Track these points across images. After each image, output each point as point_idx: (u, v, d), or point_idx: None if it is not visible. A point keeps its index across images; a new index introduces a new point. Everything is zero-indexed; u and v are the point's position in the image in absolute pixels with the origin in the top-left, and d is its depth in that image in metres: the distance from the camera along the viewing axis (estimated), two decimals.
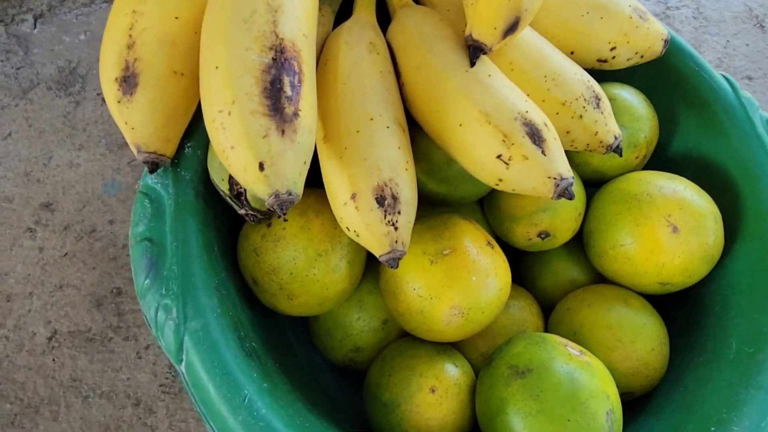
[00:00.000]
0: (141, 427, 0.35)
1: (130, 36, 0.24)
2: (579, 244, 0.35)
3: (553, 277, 0.35)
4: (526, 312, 0.33)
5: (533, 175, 0.24)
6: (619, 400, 0.26)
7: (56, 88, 0.45)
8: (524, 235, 0.33)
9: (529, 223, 0.32)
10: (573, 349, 0.27)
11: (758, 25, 1.07)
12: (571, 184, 0.24)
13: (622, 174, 0.33)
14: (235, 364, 0.23)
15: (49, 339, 0.37)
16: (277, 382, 0.25)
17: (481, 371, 0.28)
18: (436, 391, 0.28)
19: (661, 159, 0.36)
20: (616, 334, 0.30)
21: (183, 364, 0.23)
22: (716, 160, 0.33)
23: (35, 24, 0.46)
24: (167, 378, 0.36)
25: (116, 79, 0.24)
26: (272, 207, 0.20)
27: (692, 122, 0.34)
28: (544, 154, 0.24)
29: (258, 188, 0.20)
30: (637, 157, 0.34)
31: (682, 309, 0.33)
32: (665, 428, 0.27)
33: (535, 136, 0.24)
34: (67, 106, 0.44)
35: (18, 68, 0.45)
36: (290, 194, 0.20)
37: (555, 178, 0.24)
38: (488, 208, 0.34)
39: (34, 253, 0.39)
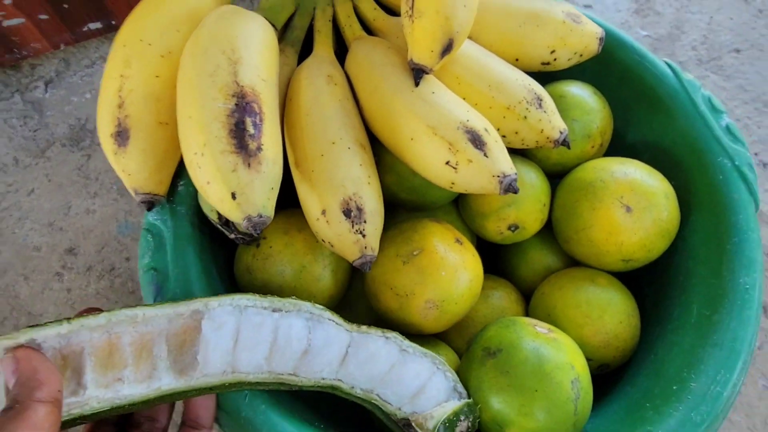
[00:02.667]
0: None
1: (120, 96, 0.27)
2: (551, 232, 0.37)
3: (530, 266, 0.38)
4: (506, 300, 0.36)
5: (479, 176, 0.27)
6: (587, 370, 0.28)
7: (69, 144, 0.50)
8: (496, 229, 0.35)
9: (497, 218, 0.35)
10: (541, 328, 0.29)
11: None
12: (515, 180, 0.27)
13: (580, 163, 0.36)
14: None
15: None
16: None
17: (462, 357, 0.31)
18: None
19: (620, 146, 0.39)
20: (584, 312, 0.32)
21: None
22: (666, 141, 0.35)
23: (46, 89, 0.52)
24: None
25: (111, 134, 0.27)
26: (248, 229, 0.24)
27: (642, 109, 0.37)
28: (487, 156, 0.27)
29: (233, 215, 0.23)
30: (593, 147, 0.36)
31: (652, 284, 0.35)
32: (637, 393, 0.29)
33: (477, 141, 0.27)
34: (80, 160, 0.49)
35: (35, 130, 0.50)
36: (261, 216, 0.23)
37: (499, 176, 0.27)
38: (462, 208, 0.37)
39: (63, 294, 0.44)
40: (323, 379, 0.26)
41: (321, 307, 0.27)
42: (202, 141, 0.23)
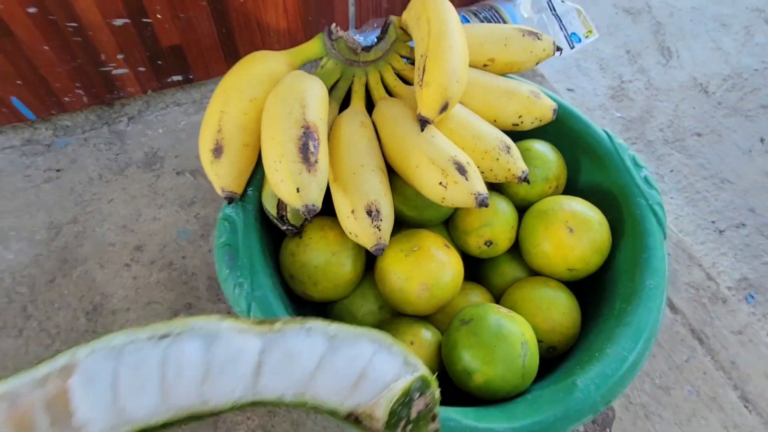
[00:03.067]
0: None
1: (219, 125, 0.40)
2: (518, 251, 0.49)
3: (501, 277, 0.49)
4: (481, 299, 0.47)
5: (462, 193, 0.39)
6: (534, 340, 0.39)
7: (143, 166, 0.62)
8: (475, 244, 0.47)
9: (477, 235, 0.46)
10: (503, 309, 0.40)
11: (703, 91, 1.25)
12: (486, 197, 0.39)
13: (540, 199, 0.48)
14: (281, 315, 0.37)
15: None
16: None
17: (444, 331, 0.42)
18: (414, 343, 0.41)
19: (573, 188, 0.51)
20: (537, 305, 0.43)
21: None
22: (604, 186, 0.48)
23: (128, 123, 0.65)
24: None
25: (210, 150, 0.40)
26: (304, 214, 0.35)
27: (587, 162, 0.49)
28: (467, 180, 0.39)
29: (297, 204, 0.35)
30: (550, 187, 0.49)
31: (594, 293, 0.46)
32: (572, 361, 0.40)
33: (461, 169, 0.39)
34: (151, 179, 0.61)
35: (117, 154, 0.63)
36: (314, 206, 0.35)
37: (475, 194, 0.39)
38: (450, 228, 0.49)
39: (130, 281, 0.54)
40: (241, 397, 0.23)
41: (218, 317, 0.24)
42: (280, 153, 0.36)
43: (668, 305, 0.57)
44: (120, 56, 0.57)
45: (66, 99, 0.59)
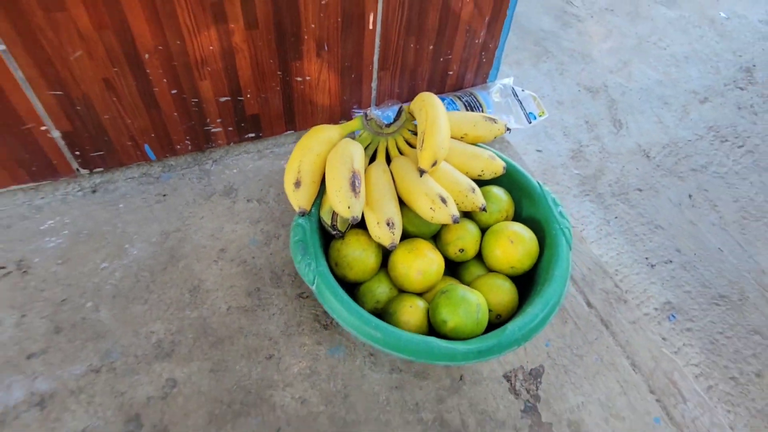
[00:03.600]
0: (274, 350, 0.72)
1: (298, 168, 0.67)
2: (480, 257, 0.74)
3: (469, 272, 0.74)
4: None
5: (444, 215, 0.65)
6: (485, 304, 0.64)
7: (223, 195, 0.88)
8: (453, 251, 0.73)
9: (454, 245, 0.72)
10: (467, 287, 0.66)
11: (645, 155, 1.54)
12: (458, 218, 0.65)
13: (495, 223, 0.74)
14: (333, 284, 0.63)
15: (227, 309, 0.75)
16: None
17: (431, 301, 0.67)
18: (412, 307, 0.66)
19: (518, 216, 0.77)
20: (489, 288, 0.68)
21: (314, 285, 0.63)
22: (536, 216, 0.74)
23: (213, 164, 0.92)
24: (281, 327, 0.74)
25: (293, 183, 0.66)
26: (351, 221, 0.61)
27: (526, 201, 0.76)
28: (447, 207, 0.65)
29: (347, 215, 0.61)
30: (501, 216, 0.75)
31: (526, 282, 0.72)
32: (512, 324, 0.65)
33: (444, 201, 0.66)
34: (229, 204, 0.87)
35: (205, 186, 0.89)
36: (356, 218, 0.61)
37: (452, 215, 0.65)
38: (436, 240, 0.75)
39: (217, 271, 0.79)
40: None
41: None
42: (339, 186, 0.62)
43: (585, 302, 0.82)
44: (218, 120, 0.84)
45: (177, 146, 0.86)
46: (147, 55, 0.70)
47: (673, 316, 1.16)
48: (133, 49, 0.69)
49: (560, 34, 1.90)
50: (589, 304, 0.82)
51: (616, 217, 1.36)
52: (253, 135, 0.91)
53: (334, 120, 0.94)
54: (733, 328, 1.15)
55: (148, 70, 0.72)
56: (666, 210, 1.39)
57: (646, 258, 1.27)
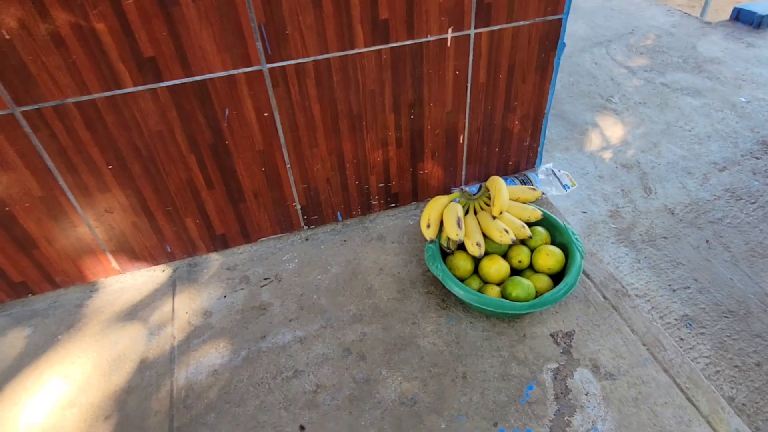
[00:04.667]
0: (416, 320, 1.30)
1: (429, 218, 1.29)
2: (531, 266, 1.30)
3: (526, 276, 1.29)
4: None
5: (507, 239, 1.23)
6: (534, 288, 1.19)
7: (376, 240, 1.51)
8: (515, 262, 1.29)
9: (515, 258, 1.29)
10: (523, 278, 1.21)
11: (670, 213, 2.00)
12: (516, 240, 1.22)
13: (538, 246, 1.30)
14: (450, 275, 1.21)
15: (387, 300, 1.34)
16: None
17: (502, 286, 1.23)
18: (493, 289, 1.22)
19: (553, 242, 1.33)
20: (536, 280, 1.23)
21: (441, 277, 1.21)
22: (563, 242, 1.29)
23: (369, 223, 1.56)
24: (418, 308, 1.31)
25: (426, 225, 1.28)
26: (457, 242, 1.21)
27: (557, 233, 1.32)
28: (508, 234, 1.23)
29: (456, 238, 1.21)
30: (543, 242, 1.31)
31: (557, 278, 1.25)
32: (546, 294, 1.18)
33: (507, 231, 1.24)
34: (381, 245, 1.50)
35: (365, 235, 1.53)
36: (461, 240, 1.21)
37: (512, 239, 1.23)
38: (506, 256, 1.32)
39: (380, 280, 1.40)
40: None
41: None
42: (452, 223, 1.23)
43: (602, 296, 1.32)
44: (376, 197, 1.49)
45: (354, 212, 1.51)
46: (348, 165, 1.38)
47: (689, 324, 1.59)
48: (342, 161, 1.37)
49: (601, 125, 2.47)
50: (604, 297, 1.33)
51: (645, 257, 1.82)
52: (393, 205, 1.55)
53: (439, 193, 1.56)
54: (739, 333, 1.56)
55: (347, 172, 1.40)
56: (686, 251, 1.83)
57: (669, 285, 1.72)
